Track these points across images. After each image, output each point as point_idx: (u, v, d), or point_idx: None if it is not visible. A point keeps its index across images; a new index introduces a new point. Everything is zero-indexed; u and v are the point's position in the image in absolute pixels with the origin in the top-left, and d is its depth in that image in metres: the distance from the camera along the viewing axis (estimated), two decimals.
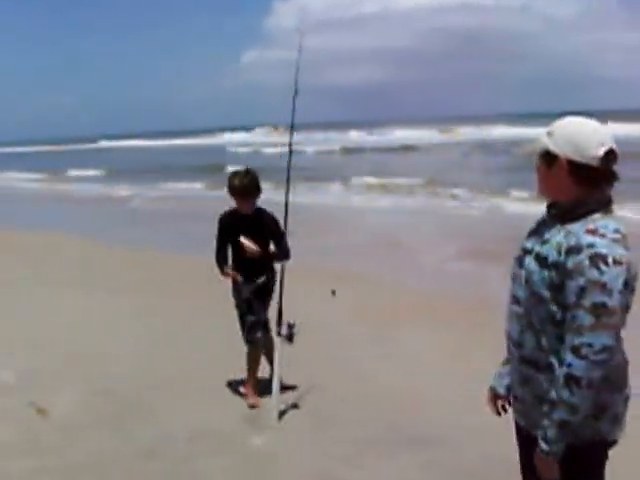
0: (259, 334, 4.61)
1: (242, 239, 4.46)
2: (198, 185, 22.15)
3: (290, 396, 4.67)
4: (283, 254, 4.52)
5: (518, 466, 2.32)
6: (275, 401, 4.45)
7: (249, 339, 4.63)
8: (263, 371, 4.80)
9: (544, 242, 2.02)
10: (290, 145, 4.60)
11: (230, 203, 4.59)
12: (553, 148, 1.99)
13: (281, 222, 4.50)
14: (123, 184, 24.04)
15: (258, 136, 69.47)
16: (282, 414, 4.48)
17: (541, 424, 1.99)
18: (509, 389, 2.28)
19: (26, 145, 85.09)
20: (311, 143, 35.04)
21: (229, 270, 4.58)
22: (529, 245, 2.10)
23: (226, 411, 4.55)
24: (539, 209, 2.21)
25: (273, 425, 4.38)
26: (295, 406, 4.62)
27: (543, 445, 1.98)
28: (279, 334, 4.45)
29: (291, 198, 4.41)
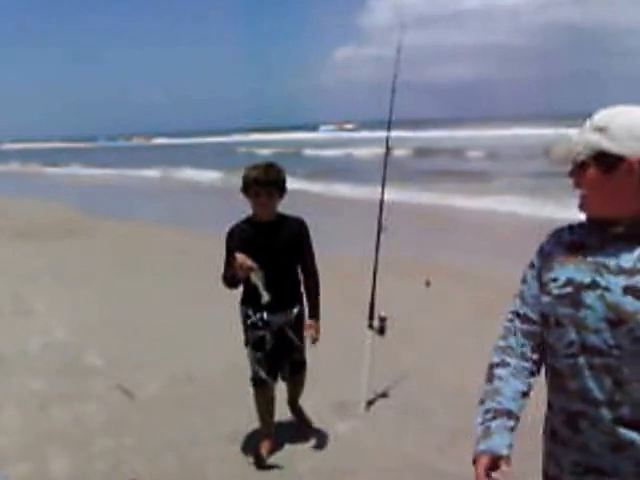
0: (264, 374, 3.67)
1: (237, 255, 3.31)
2: None
3: (379, 386, 4.50)
4: (309, 275, 3.60)
5: None
6: (363, 390, 4.30)
7: (254, 377, 3.71)
8: (354, 366, 4.61)
9: (631, 272, 1.53)
10: (387, 143, 4.49)
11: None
12: (612, 147, 1.55)
13: (310, 233, 3.61)
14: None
15: (304, 134, 69.67)
16: (370, 403, 4.33)
17: None
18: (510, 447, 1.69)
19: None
20: (377, 143, 31.96)
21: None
22: (589, 279, 1.58)
23: (312, 398, 4.41)
24: None
25: (360, 414, 4.24)
26: (384, 396, 4.45)
27: None
28: (371, 327, 4.33)
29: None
